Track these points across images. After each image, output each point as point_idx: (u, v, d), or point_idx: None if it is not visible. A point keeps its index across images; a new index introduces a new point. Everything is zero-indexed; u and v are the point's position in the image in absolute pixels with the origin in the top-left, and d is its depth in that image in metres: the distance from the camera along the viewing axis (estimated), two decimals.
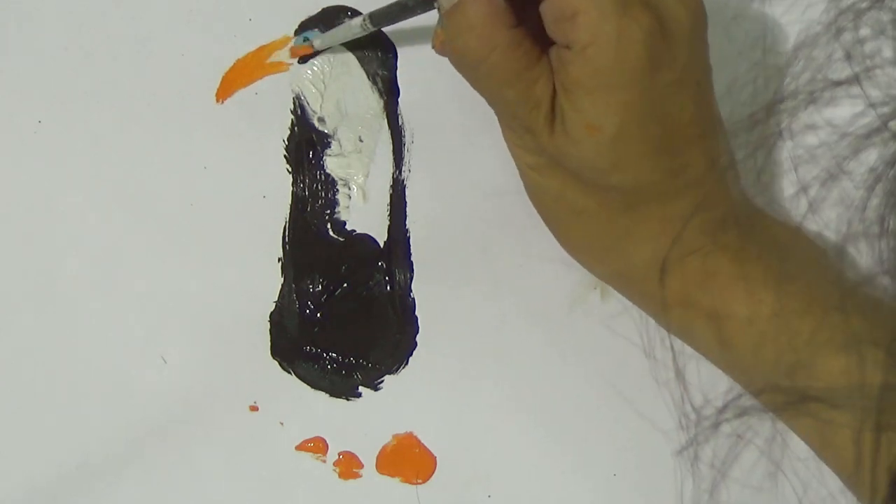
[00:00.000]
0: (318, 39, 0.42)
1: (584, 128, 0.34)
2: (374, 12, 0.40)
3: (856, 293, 0.29)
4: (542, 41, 0.35)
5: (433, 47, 0.38)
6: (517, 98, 0.35)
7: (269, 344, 0.42)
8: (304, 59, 0.43)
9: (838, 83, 0.28)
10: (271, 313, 0.42)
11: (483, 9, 0.34)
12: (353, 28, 0.41)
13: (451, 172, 0.43)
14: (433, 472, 0.42)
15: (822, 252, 0.38)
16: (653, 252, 0.37)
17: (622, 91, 0.34)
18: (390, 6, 0.39)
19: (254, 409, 0.42)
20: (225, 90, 0.43)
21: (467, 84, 0.37)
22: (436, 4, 0.37)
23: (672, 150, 0.35)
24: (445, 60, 0.42)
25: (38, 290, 0.42)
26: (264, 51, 0.43)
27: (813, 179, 0.29)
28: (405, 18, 0.40)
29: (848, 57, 0.28)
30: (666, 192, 0.36)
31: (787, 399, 0.33)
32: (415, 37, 0.43)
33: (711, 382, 0.38)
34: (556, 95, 0.35)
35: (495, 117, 0.40)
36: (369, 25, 0.40)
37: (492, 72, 0.35)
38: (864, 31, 0.28)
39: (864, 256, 0.27)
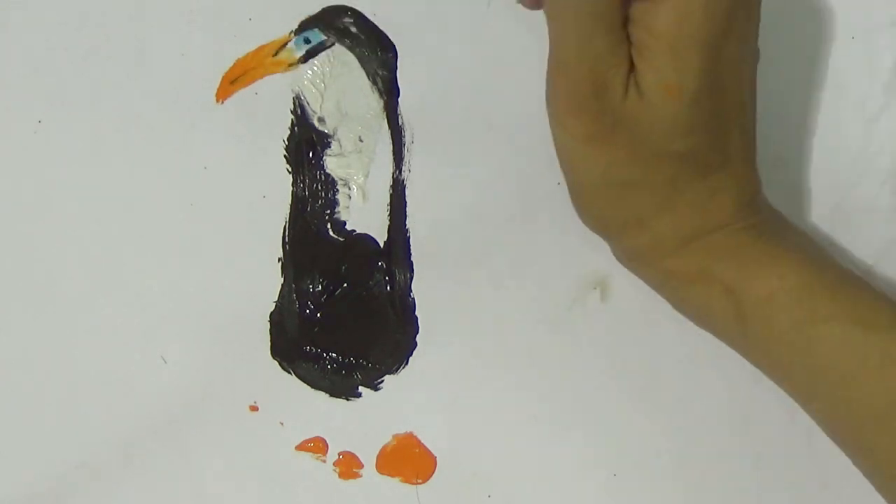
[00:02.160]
0: None
1: (663, 89, 0.34)
2: None
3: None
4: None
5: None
6: (606, 49, 0.35)
7: (269, 344, 0.42)
8: (305, 59, 0.43)
9: None
10: (271, 313, 0.42)
11: None
12: None
13: (451, 172, 0.43)
14: (433, 472, 0.42)
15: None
16: (684, 224, 0.37)
17: (704, 50, 0.34)
18: None
19: (254, 409, 0.42)
20: (225, 90, 0.43)
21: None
22: None
23: (722, 124, 0.36)
24: (445, 59, 0.42)
25: (38, 290, 0.42)
26: (264, 50, 0.43)
27: None
28: None
29: None
30: (709, 164, 0.36)
31: None
32: (415, 35, 0.43)
33: None
34: (633, 60, 0.35)
35: (495, 118, 0.39)
36: None
37: (594, 16, 0.34)
38: None
39: None
